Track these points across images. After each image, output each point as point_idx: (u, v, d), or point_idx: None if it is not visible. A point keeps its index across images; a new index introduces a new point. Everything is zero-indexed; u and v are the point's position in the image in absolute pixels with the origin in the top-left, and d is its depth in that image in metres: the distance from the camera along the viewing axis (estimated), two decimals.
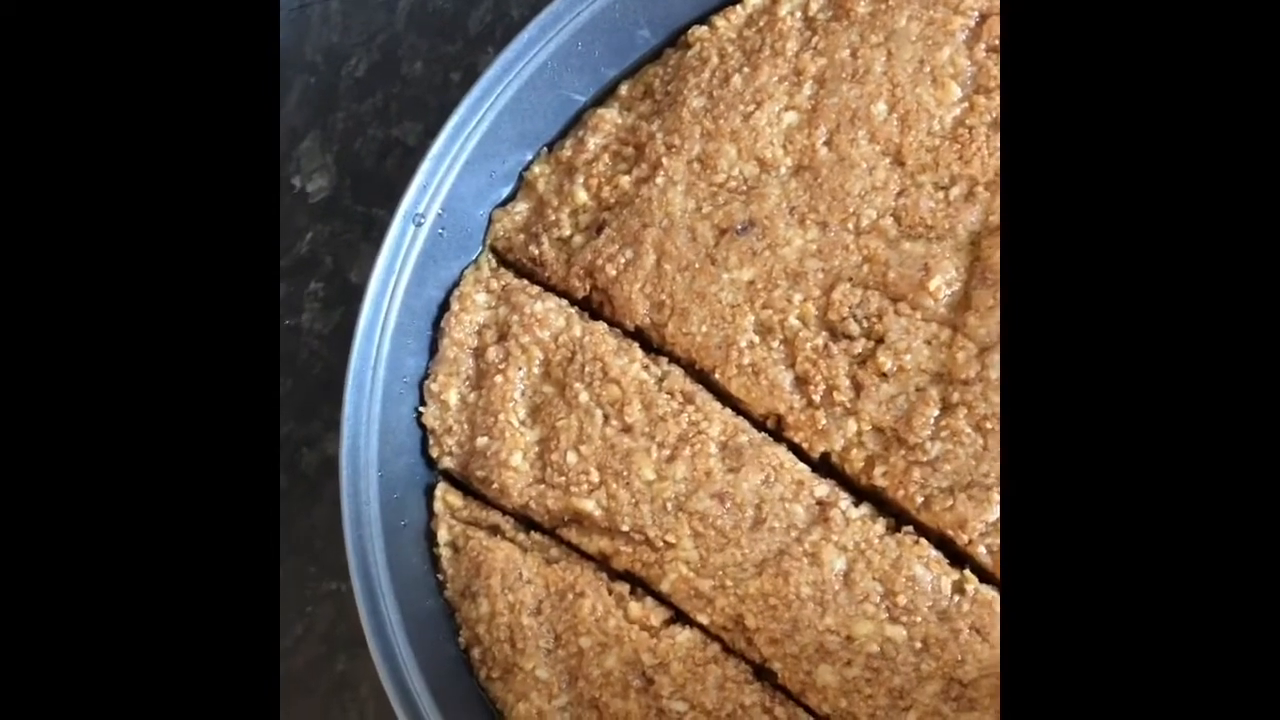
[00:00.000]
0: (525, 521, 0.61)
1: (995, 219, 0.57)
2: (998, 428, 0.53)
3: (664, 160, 0.62)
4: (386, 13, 0.79)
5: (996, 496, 0.53)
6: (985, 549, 0.53)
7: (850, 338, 0.57)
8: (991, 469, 0.53)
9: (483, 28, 0.78)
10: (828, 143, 0.60)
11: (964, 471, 0.53)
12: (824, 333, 0.57)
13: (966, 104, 0.59)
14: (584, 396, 0.60)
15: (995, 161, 0.58)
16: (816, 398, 0.56)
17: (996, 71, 0.59)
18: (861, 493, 0.56)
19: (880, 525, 0.55)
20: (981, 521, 0.53)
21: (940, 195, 0.58)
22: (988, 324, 0.55)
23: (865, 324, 0.57)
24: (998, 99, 0.58)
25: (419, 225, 0.62)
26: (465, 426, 0.62)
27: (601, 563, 0.59)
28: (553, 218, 0.64)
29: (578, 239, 0.63)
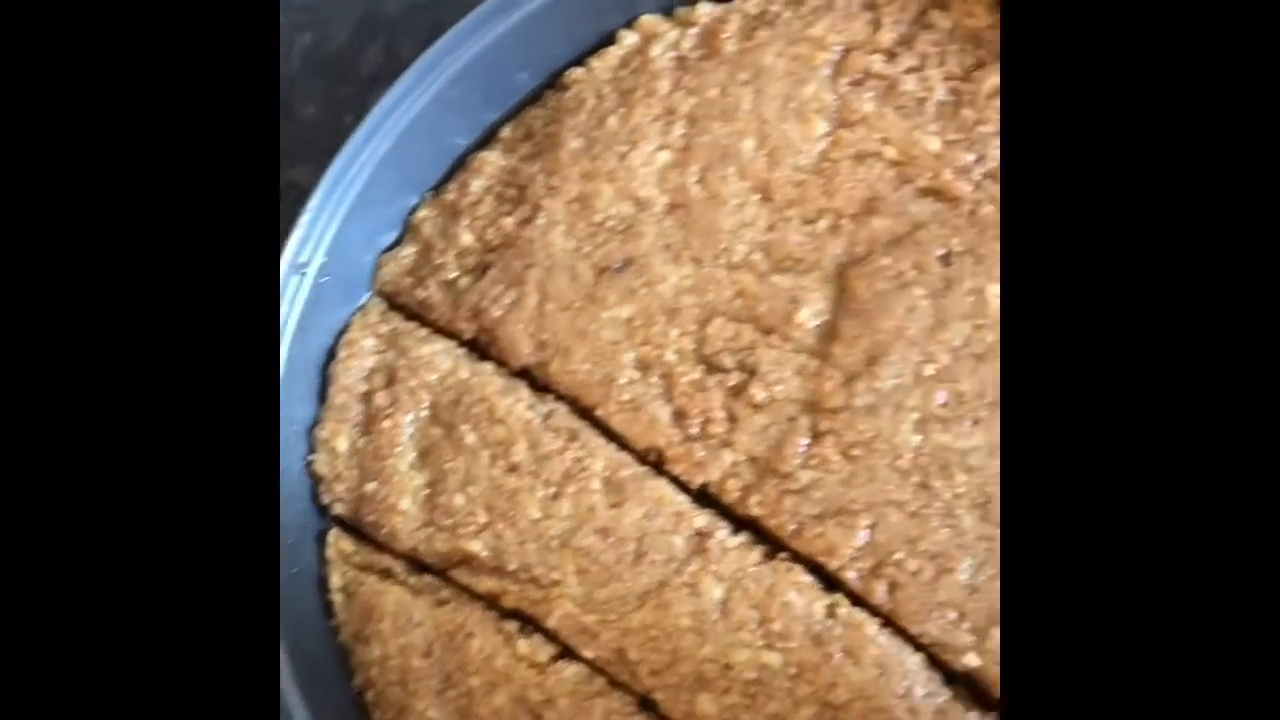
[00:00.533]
0: (417, 564, 0.62)
1: (860, 249, 0.59)
2: (864, 454, 0.55)
3: (544, 201, 0.63)
4: (280, 55, 0.79)
5: (863, 522, 0.54)
6: (855, 573, 0.54)
7: (725, 370, 0.58)
8: (858, 495, 0.54)
9: (375, 69, 0.79)
10: (700, 180, 0.61)
11: (833, 499, 0.55)
12: (700, 366, 0.58)
13: (830, 138, 0.61)
14: (471, 438, 0.61)
15: (858, 193, 0.60)
16: (694, 430, 0.58)
17: (858, 104, 0.61)
18: (740, 522, 0.57)
19: (757, 553, 0.56)
20: (850, 547, 0.54)
21: (807, 229, 0.60)
22: (853, 353, 0.57)
23: (738, 356, 0.58)
24: (860, 132, 0.60)
25: (303, 275, 0.63)
26: (355, 472, 0.62)
27: (491, 602, 0.59)
28: (439, 261, 0.65)
29: (464, 281, 0.64)
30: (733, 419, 0.57)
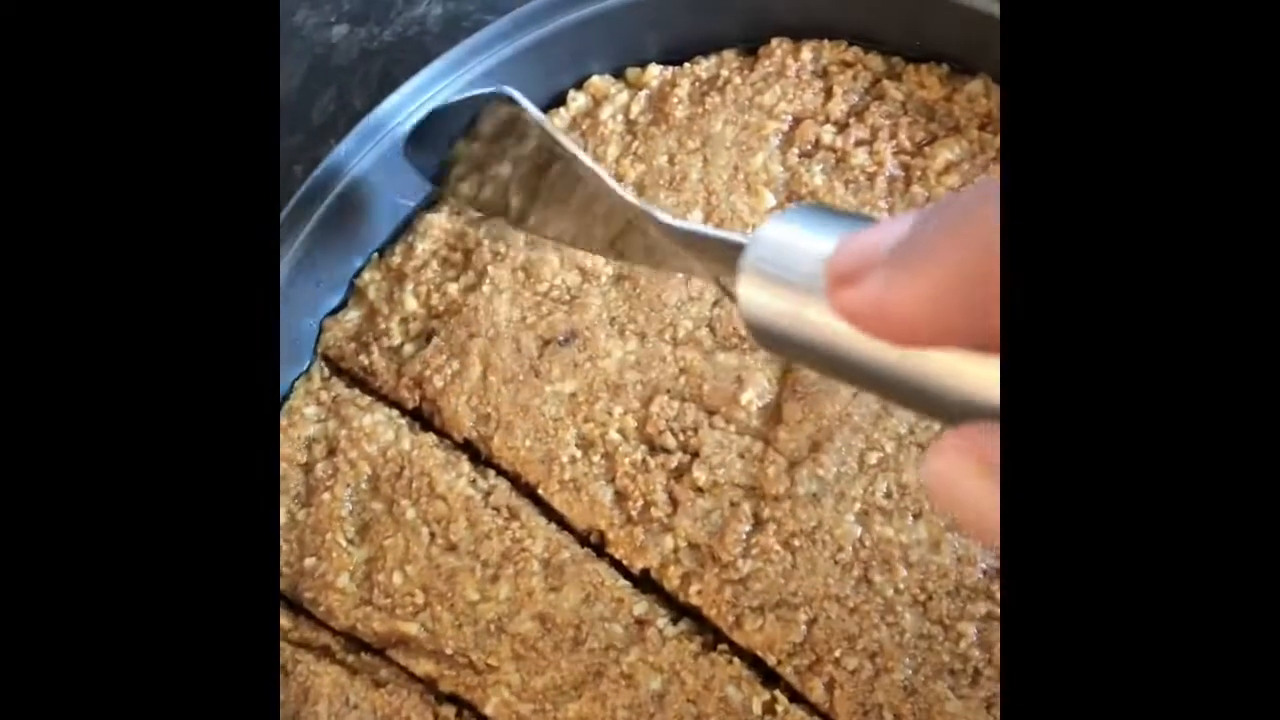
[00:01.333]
0: (355, 642, 0.60)
1: None
2: (805, 544, 0.53)
3: (489, 268, 0.62)
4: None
5: (803, 616, 0.53)
6: (793, 669, 0.53)
7: (668, 451, 0.57)
8: (799, 587, 0.53)
9: (325, 118, 0.77)
10: None
11: (773, 590, 0.53)
12: (642, 446, 0.57)
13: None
14: (411, 513, 0.59)
15: None
16: (634, 513, 0.56)
17: (808, 177, 0.59)
18: (682, 609, 0.56)
19: (696, 644, 0.54)
20: (789, 642, 0.53)
21: None
22: (797, 438, 0.55)
23: (681, 437, 0.57)
24: None
25: None
26: (294, 546, 0.61)
27: (429, 685, 0.58)
28: (383, 326, 0.63)
29: (408, 348, 0.63)
30: (674, 502, 0.56)
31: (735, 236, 0.37)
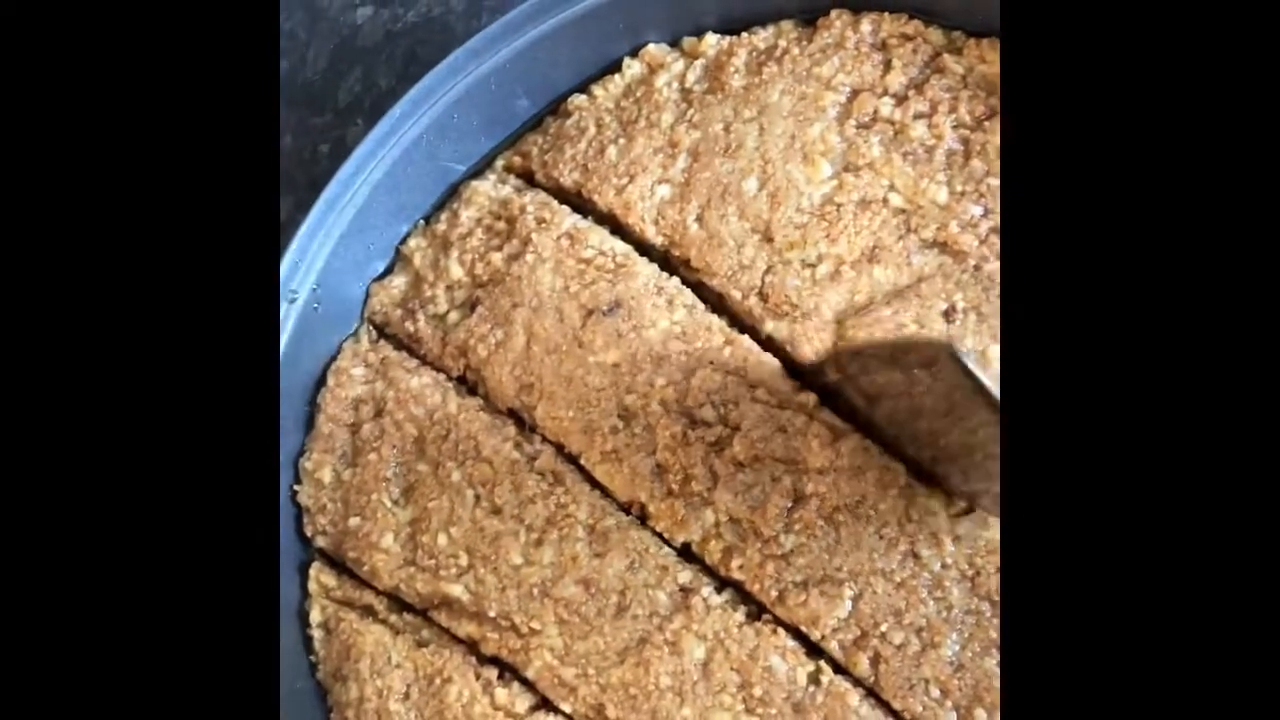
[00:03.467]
0: (398, 603, 0.61)
1: (860, 298, 0.57)
2: (849, 519, 0.53)
3: (534, 236, 0.61)
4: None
5: (848, 591, 0.53)
6: (837, 644, 0.53)
7: (707, 424, 0.56)
8: (843, 563, 0.53)
9: (352, 99, 0.77)
10: (698, 218, 0.60)
11: (816, 565, 0.53)
12: (683, 419, 0.57)
13: (835, 182, 0.59)
14: (456, 475, 0.59)
15: (861, 240, 0.57)
16: (675, 486, 0.56)
17: (865, 149, 0.58)
18: (724, 579, 0.56)
19: (740, 614, 0.55)
20: (834, 617, 0.53)
21: (807, 273, 0.58)
22: (841, 411, 0.55)
23: (722, 410, 0.56)
24: (866, 177, 0.58)
25: (292, 301, 0.62)
26: (339, 505, 0.62)
27: (471, 647, 0.59)
28: (429, 293, 0.63)
29: (453, 315, 0.63)
30: (714, 476, 0.55)
31: None
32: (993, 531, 0.52)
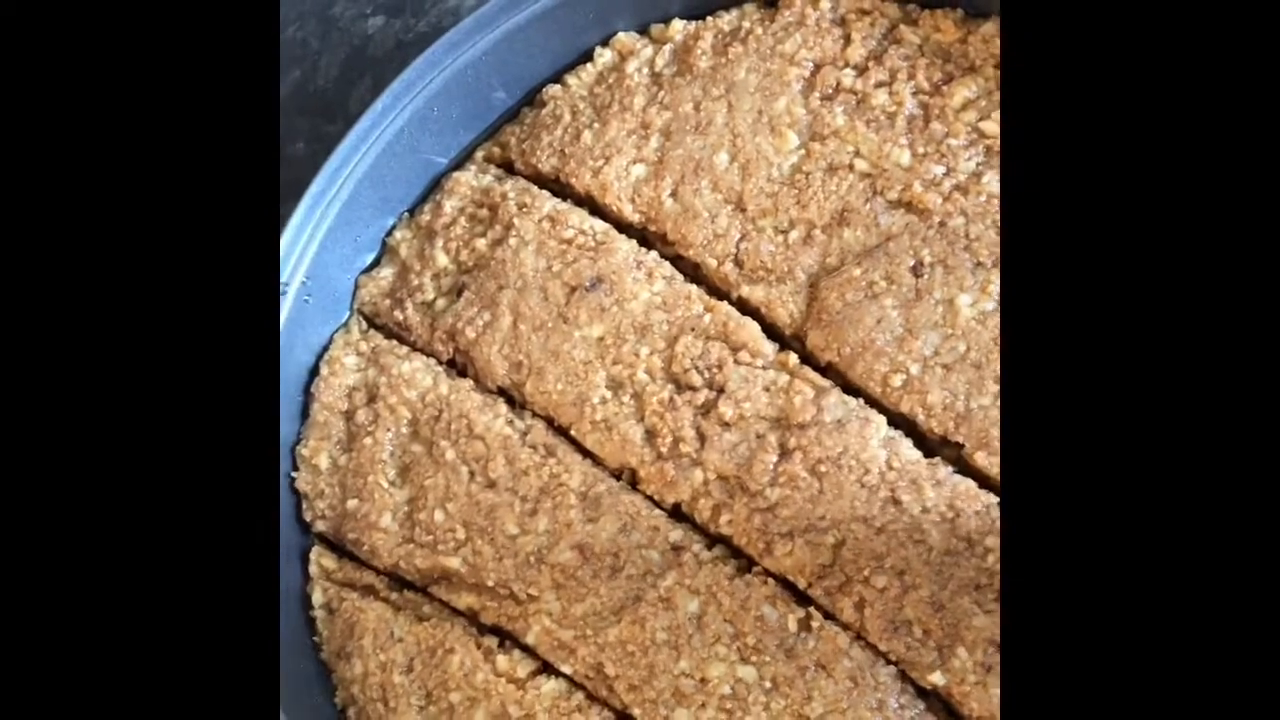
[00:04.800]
0: (398, 580, 0.62)
1: (832, 260, 0.59)
2: (832, 470, 0.55)
3: (516, 221, 0.63)
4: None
5: (830, 540, 0.54)
6: (823, 590, 0.54)
7: (693, 389, 0.58)
8: (827, 512, 0.55)
9: (363, 107, 0.78)
10: (673, 194, 0.62)
11: (800, 516, 0.55)
12: (669, 385, 0.59)
13: (803, 150, 0.61)
14: (450, 454, 0.61)
15: (830, 205, 0.60)
16: (664, 450, 0.58)
17: (830, 118, 0.61)
18: (713, 536, 0.58)
19: (730, 567, 0.56)
20: (818, 564, 0.54)
21: (780, 239, 0.60)
22: (821, 366, 0.57)
23: (707, 374, 0.58)
24: (832, 145, 0.60)
25: (284, 294, 0.64)
26: (337, 489, 0.63)
27: (470, 618, 0.60)
28: (416, 282, 0.65)
29: (440, 302, 0.65)
30: (702, 437, 0.57)
31: None
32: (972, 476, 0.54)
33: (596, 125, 0.64)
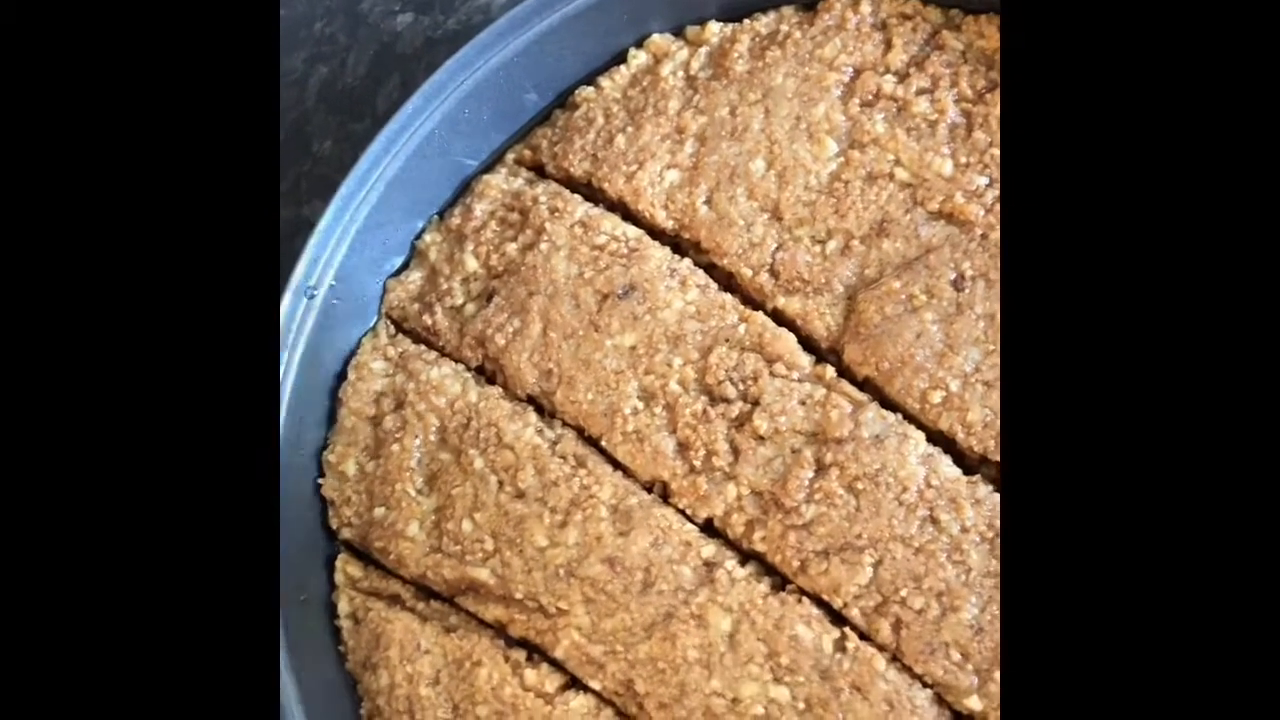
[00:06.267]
0: (424, 590, 0.62)
1: (870, 272, 0.58)
2: (869, 487, 0.54)
3: (547, 225, 0.62)
4: (297, 90, 0.79)
5: (868, 559, 0.53)
6: (859, 611, 0.53)
7: (727, 401, 0.57)
8: (864, 530, 0.54)
9: (390, 106, 0.78)
10: (708, 201, 0.61)
11: (837, 534, 0.54)
12: (703, 397, 0.58)
13: (842, 158, 0.60)
14: (479, 463, 0.60)
15: (869, 214, 0.58)
16: (697, 463, 0.57)
17: (870, 125, 0.59)
18: (746, 552, 0.57)
19: (765, 585, 0.55)
20: (854, 584, 0.53)
21: (817, 249, 0.59)
22: (859, 380, 0.56)
23: (741, 386, 0.57)
24: (872, 153, 0.59)
25: (311, 298, 0.63)
26: (363, 497, 0.62)
27: (498, 630, 0.59)
28: (445, 286, 0.64)
29: (470, 307, 0.64)
30: (736, 451, 0.56)
31: None
32: None
33: (630, 129, 0.63)
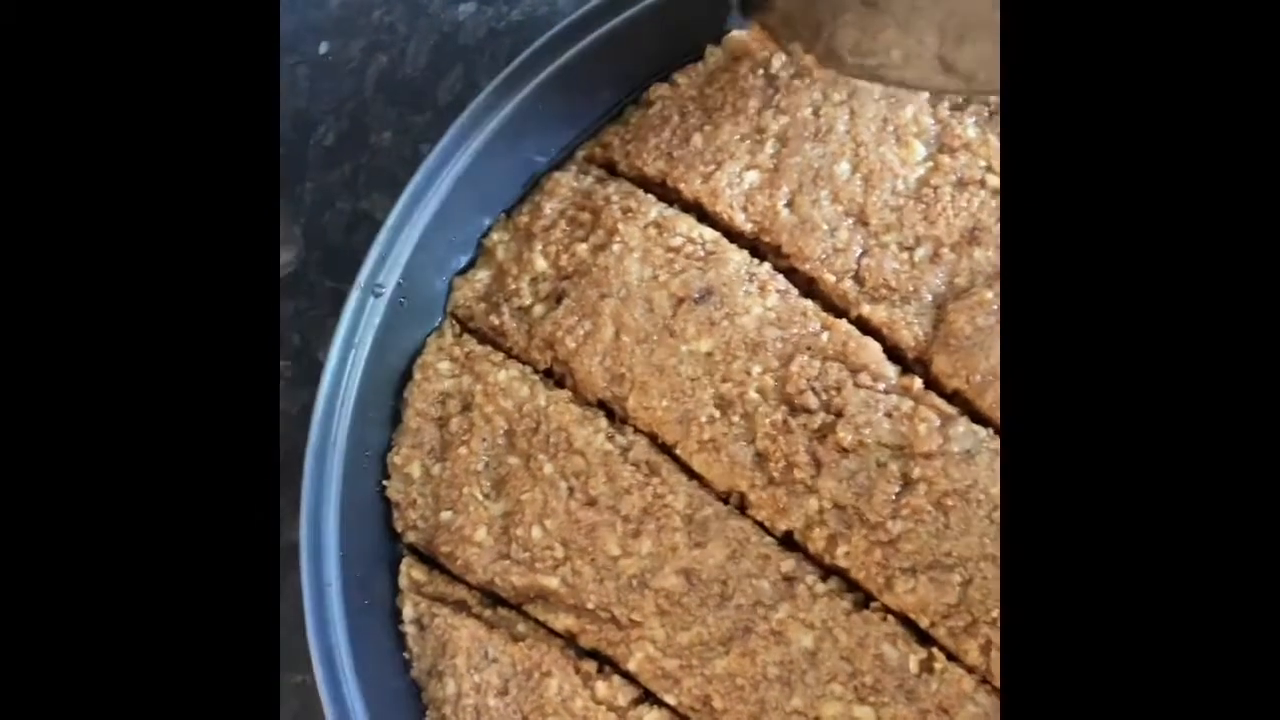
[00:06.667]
0: (492, 596, 0.60)
1: (960, 281, 0.56)
2: (959, 504, 0.52)
3: (620, 226, 0.61)
4: (355, 80, 0.78)
5: (957, 578, 0.52)
6: (947, 631, 0.52)
7: (809, 411, 0.56)
8: (953, 548, 0.52)
9: (452, 98, 0.77)
10: (789, 204, 0.59)
11: (925, 551, 0.52)
12: (783, 406, 0.56)
13: (931, 163, 0.58)
14: (548, 468, 0.59)
15: (959, 222, 0.57)
16: (776, 474, 0.55)
17: (960, 129, 0.58)
18: (828, 567, 0.55)
19: (848, 601, 0.54)
20: (943, 604, 0.52)
21: (905, 256, 0.57)
22: (949, 394, 0.54)
23: (824, 396, 0.55)
24: (962, 158, 0.57)
25: (378, 296, 0.61)
26: (429, 499, 0.61)
27: (569, 640, 0.58)
28: (513, 286, 0.63)
29: (538, 309, 0.62)
30: (818, 463, 0.55)
31: None
32: None
33: (707, 128, 0.61)
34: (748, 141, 0.60)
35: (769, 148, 0.60)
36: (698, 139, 0.61)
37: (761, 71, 0.62)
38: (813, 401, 0.55)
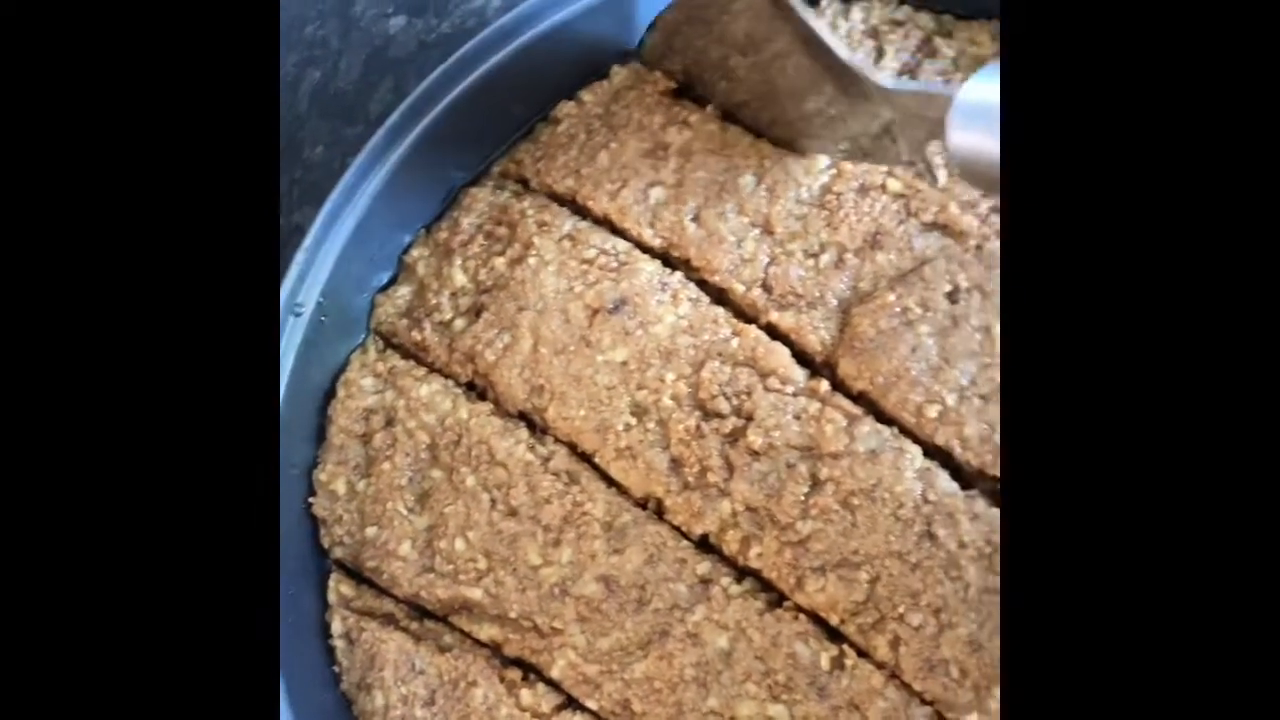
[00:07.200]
0: (419, 609, 0.61)
1: (864, 285, 0.57)
2: (865, 503, 0.54)
3: (535, 239, 0.62)
4: (289, 93, 0.78)
5: (865, 575, 0.53)
6: (856, 628, 0.53)
7: (721, 416, 0.57)
8: (860, 546, 0.53)
9: (384, 109, 0.77)
10: (695, 218, 0.60)
11: (834, 550, 0.53)
12: (696, 412, 0.57)
13: (834, 170, 0.59)
14: (471, 480, 0.60)
15: (862, 227, 0.58)
16: (691, 479, 0.56)
17: None
18: (742, 569, 0.56)
19: (761, 601, 0.55)
20: (851, 601, 0.53)
21: (810, 263, 0.58)
22: (853, 395, 0.55)
23: (735, 401, 0.57)
24: (864, 164, 0.59)
25: (298, 315, 0.62)
26: (355, 515, 0.62)
27: (493, 650, 0.59)
28: (434, 301, 0.64)
29: (459, 323, 0.63)
30: (730, 466, 0.56)
31: (941, 88, 0.45)
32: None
33: (613, 145, 0.62)
34: (650, 159, 0.61)
35: (672, 163, 0.61)
36: (604, 156, 0.62)
37: (665, 88, 0.63)
38: (724, 406, 0.57)
